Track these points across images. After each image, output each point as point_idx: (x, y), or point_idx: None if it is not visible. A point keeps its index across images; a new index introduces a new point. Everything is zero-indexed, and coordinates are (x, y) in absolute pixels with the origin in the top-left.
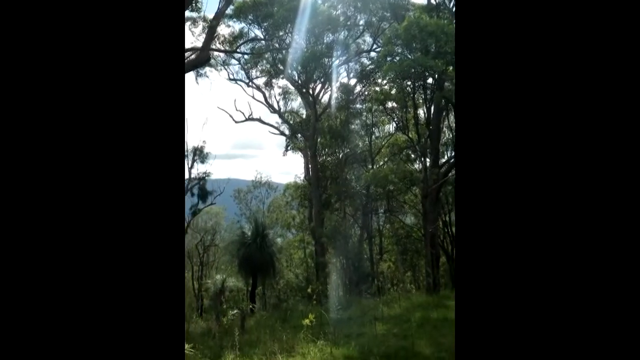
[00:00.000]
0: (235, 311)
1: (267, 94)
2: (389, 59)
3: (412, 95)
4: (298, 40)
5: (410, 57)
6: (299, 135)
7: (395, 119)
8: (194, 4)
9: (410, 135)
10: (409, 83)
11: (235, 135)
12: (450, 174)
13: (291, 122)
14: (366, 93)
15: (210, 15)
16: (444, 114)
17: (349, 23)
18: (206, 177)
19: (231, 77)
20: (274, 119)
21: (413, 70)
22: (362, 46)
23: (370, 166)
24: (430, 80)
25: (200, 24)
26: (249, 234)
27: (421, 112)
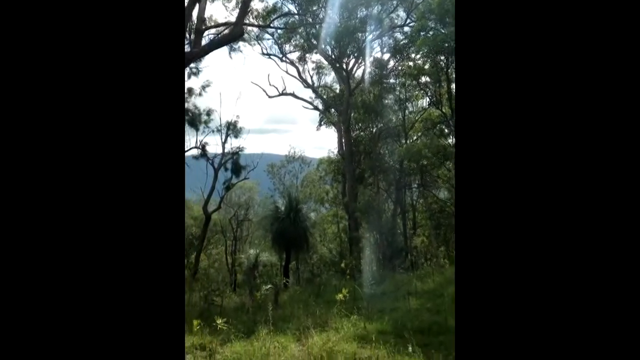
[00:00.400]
0: (269, 286)
1: (300, 69)
2: (422, 33)
3: (445, 70)
4: (331, 15)
5: (443, 31)
6: (333, 109)
7: (429, 94)
8: None
9: (443, 110)
10: (442, 58)
11: (269, 110)
12: None
13: (325, 96)
14: (399, 68)
15: None
16: None
17: None
18: (240, 152)
19: (265, 51)
20: (308, 93)
21: (447, 45)
22: (396, 21)
23: (403, 141)
24: None
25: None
26: (283, 208)
27: (454, 87)
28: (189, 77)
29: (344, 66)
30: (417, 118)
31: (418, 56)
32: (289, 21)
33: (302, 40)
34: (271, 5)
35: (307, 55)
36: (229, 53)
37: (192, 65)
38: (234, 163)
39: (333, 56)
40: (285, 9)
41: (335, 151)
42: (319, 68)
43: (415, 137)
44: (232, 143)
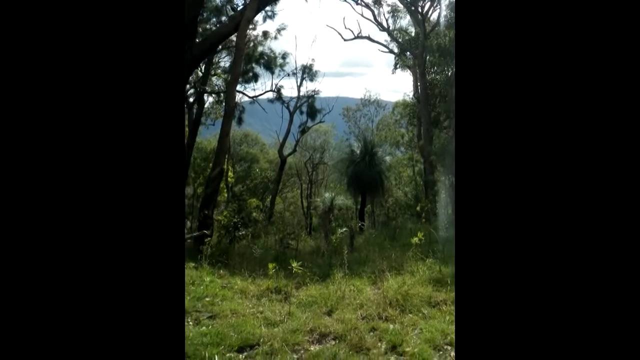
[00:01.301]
0: (344, 229)
1: (375, 12)
2: None
3: None
4: None
5: None
6: (408, 53)
7: None
8: None
9: None
10: None
11: (344, 53)
12: None
13: (400, 40)
14: None
15: None
16: None
17: None
18: (315, 95)
19: None
20: (383, 37)
21: None
22: None
23: None
24: None
25: None
26: (358, 152)
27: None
28: (265, 20)
29: (419, 9)
30: None
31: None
32: None
33: None
34: None
35: None
36: None
37: (267, 8)
38: (310, 106)
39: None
40: None
41: (411, 94)
42: (394, 11)
43: None
44: (308, 86)
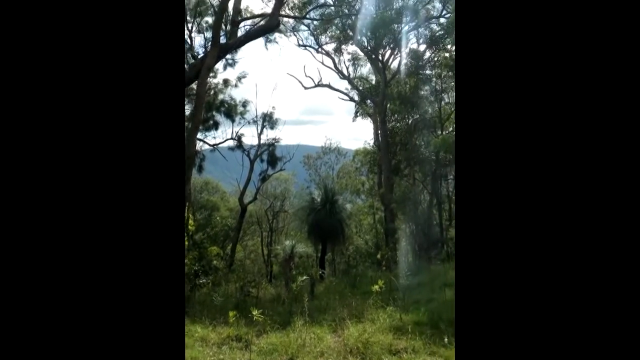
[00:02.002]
0: (305, 277)
1: (336, 60)
2: None
3: None
4: (367, 6)
5: None
6: (369, 101)
7: None
8: None
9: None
10: None
11: (305, 101)
12: None
13: (360, 88)
14: (435, 59)
15: None
16: None
17: None
18: (275, 143)
19: (300, 43)
20: (343, 85)
21: None
22: (432, 12)
23: (439, 132)
24: None
25: None
26: (318, 200)
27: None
28: (225, 68)
29: (380, 57)
30: (453, 109)
31: (454, 47)
32: (325, 12)
33: (338, 32)
34: None
35: (343, 46)
36: (265, 44)
37: (228, 56)
38: (270, 154)
39: (369, 47)
40: (321, 0)
41: (371, 142)
42: (354, 59)
43: (451, 128)
44: (268, 134)
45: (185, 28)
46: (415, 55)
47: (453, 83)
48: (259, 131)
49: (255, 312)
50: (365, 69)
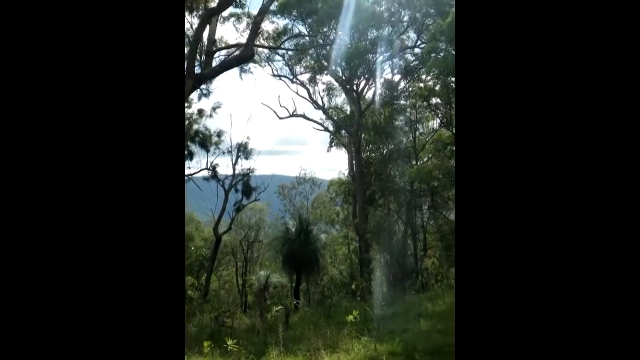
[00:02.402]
0: (279, 307)
1: (311, 90)
2: (432, 55)
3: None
4: (342, 37)
5: (454, 53)
6: (343, 131)
7: (440, 115)
8: (237, 0)
9: (454, 131)
10: (452, 79)
11: (279, 131)
12: None
13: (335, 118)
14: (410, 89)
15: (255, 11)
16: None
17: (392, 19)
18: (250, 174)
19: (275, 73)
20: (318, 115)
21: None
22: (406, 42)
23: (414, 162)
24: None
25: (245, 20)
26: (293, 230)
27: (455, 88)
28: (200, 98)
29: (355, 87)
30: (427, 139)
31: (428, 77)
32: (300, 42)
33: (313, 62)
34: (282, 27)
35: (318, 76)
36: (240, 74)
37: (202, 86)
38: (245, 184)
39: (343, 77)
40: (296, 30)
41: (346, 172)
42: (329, 89)
43: (425, 159)
44: (243, 164)
45: None
46: (389, 85)
47: (427, 113)
48: (233, 161)
49: (229, 342)
50: (340, 99)
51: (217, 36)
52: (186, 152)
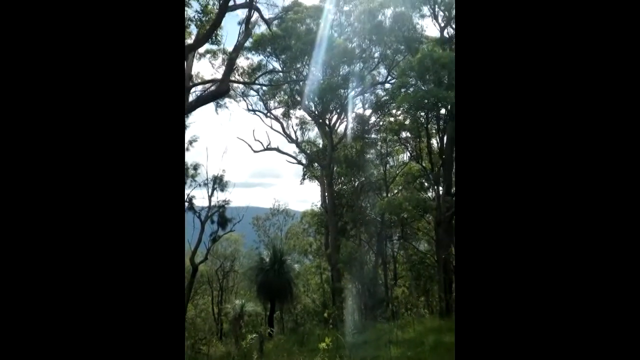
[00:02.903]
0: (254, 335)
1: (284, 124)
2: (403, 90)
3: (425, 125)
4: (315, 72)
5: (423, 88)
6: (316, 164)
7: (409, 149)
8: (213, 37)
9: (423, 165)
10: (422, 114)
11: (254, 164)
12: None
13: (308, 151)
14: (381, 123)
15: (230, 47)
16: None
17: (364, 55)
18: (226, 205)
19: (250, 107)
20: (292, 148)
21: (426, 101)
22: (377, 78)
23: (384, 194)
24: (443, 111)
25: (220, 57)
26: (267, 260)
27: (434, 142)
28: None
29: (327, 122)
30: (397, 172)
31: (399, 112)
32: (274, 78)
33: (286, 97)
34: (256, 63)
35: (291, 111)
36: (215, 109)
37: None
38: (220, 216)
39: (316, 112)
40: (270, 67)
41: (319, 204)
42: (302, 123)
43: (396, 191)
44: (218, 196)
45: None
46: (361, 119)
47: (398, 147)
48: (209, 193)
49: None
50: (313, 132)
51: (193, 72)
52: None
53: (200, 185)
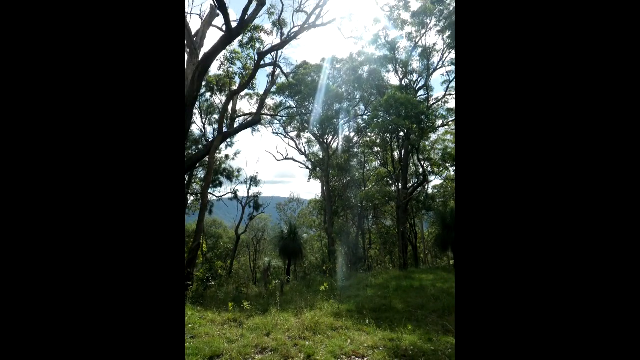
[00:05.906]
0: (277, 281)
1: (297, 142)
2: (375, 120)
3: (390, 142)
4: (317, 108)
5: (389, 118)
6: (318, 169)
7: (379, 158)
8: (250, 85)
9: (389, 169)
10: (388, 135)
11: (277, 168)
12: (414, 193)
13: (312, 160)
14: (360, 142)
15: (261, 92)
16: (410, 154)
17: (349, 97)
18: (258, 195)
19: (274, 131)
20: (302, 158)
21: (390, 127)
22: (358, 112)
23: (363, 188)
24: (401, 134)
25: (255, 97)
26: (286, 232)
27: (396, 154)
28: (226, 147)
29: (325, 141)
30: (371, 174)
31: (372, 134)
32: (290, 112)
33: (298, 124)
34: (278, 102)
35: (302, 133)
36: (252, 132)
37: (228, 140)
38: (255, 203)
39: (318, 134)
40: (288, 104)
41: (320, 195)
42: (309, 141)
43: (370, 186)
44: (254, 190)
45: (200, 121)
46: (347, 139)
47: (371, 157)
48: (248, 188)
49: (245, 303)
50: (316, 148)
51: (237, 107)
52: (217, 182)
53: (241, 183)
